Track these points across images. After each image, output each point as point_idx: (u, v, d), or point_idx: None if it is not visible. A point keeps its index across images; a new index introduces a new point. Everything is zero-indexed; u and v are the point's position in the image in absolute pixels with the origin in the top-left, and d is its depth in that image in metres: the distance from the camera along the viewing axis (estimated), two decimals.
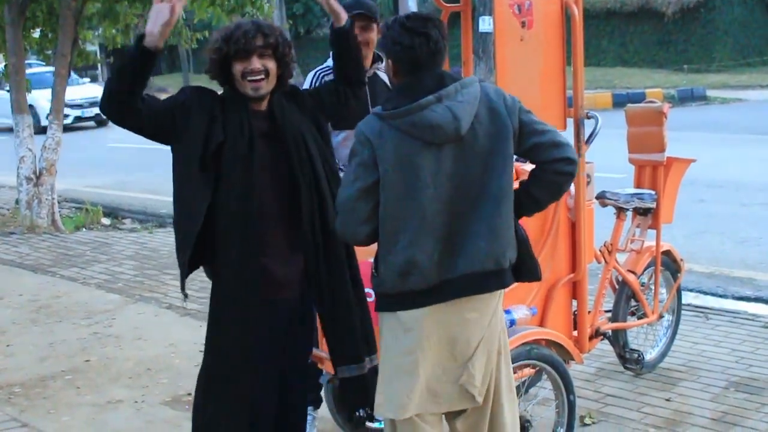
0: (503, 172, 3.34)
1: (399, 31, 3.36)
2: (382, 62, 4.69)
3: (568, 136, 4.36)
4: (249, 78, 3.58)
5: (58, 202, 11.69)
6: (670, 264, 5.64)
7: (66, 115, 14.11)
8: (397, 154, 3.29)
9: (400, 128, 3.29)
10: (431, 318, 3.38)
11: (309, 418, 4.66)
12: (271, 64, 3.62)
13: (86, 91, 24.91)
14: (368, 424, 4.71)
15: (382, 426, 4.69)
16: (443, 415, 3.57)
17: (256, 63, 3.58)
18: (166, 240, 10.11)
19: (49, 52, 13.04)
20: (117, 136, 20.38)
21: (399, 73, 3.42)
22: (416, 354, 3.38)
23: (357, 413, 4.11)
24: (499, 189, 3.33)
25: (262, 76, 3.60)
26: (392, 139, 3.29)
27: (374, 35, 4.59)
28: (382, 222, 3.35)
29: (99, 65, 49.36)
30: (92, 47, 27.55)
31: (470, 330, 3.40)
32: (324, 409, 4.75)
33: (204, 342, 3.87)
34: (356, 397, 3.99)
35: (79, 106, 23.90)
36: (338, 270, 3.82)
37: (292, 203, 3.69)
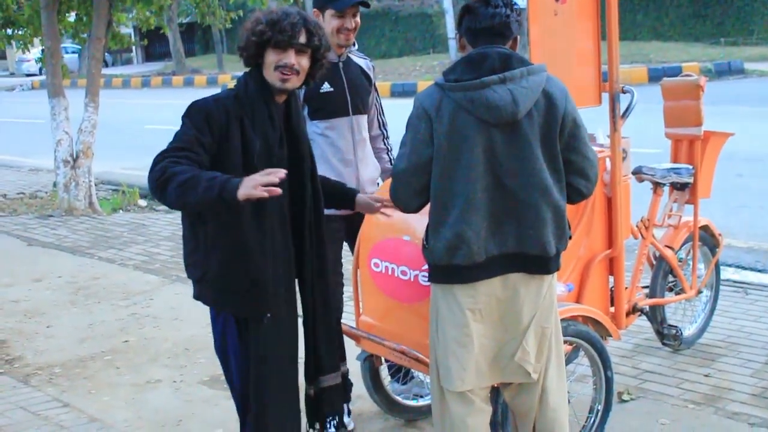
0: (553, 166, 3.38)
1: None
2: (355, 45, 4.68)
3: (603, 110, 4.37)
4: (281, 70, 3.45)
5: (95, 185, 11.76)
6: (708, 239, 5.60)
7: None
8: (451, 127, 3.32)
9: (457, 101, 3.31)
10: (482, 292, 3.43)
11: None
12: (305, 63, 3.50)
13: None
14: (407, 401, 4.75)
15: (417, 403, 4.75)
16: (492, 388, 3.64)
17: (292, 58, 3.45)
18: None
19: (84, 35, 13.11)
20: (151, 118, 20.51)
21: (465, 45, 3.46)
22: (470, 327, 3.44)
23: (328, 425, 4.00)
24: (549, 181, 3.37)
25: (295, 72, 3.48)
26: (449, 111, 3.32)
27: (359, 18, 4.56)
28: (433, 194, 3.40)
29: (133, 47, 49.68)
30: (126, 30, 27.73)
31: (520, 306, 3.45)
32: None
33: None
34: (333, 404, 3.88)
35: None
36: (326, 272, 3.79)
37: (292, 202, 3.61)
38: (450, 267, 3.42)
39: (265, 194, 3.07)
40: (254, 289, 3.50)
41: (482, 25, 3.40)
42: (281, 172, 3.11)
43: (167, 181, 3.20)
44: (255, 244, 3.45)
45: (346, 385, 4.33)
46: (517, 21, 3.44)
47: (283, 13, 3.46)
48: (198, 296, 3.70)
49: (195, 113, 3.42)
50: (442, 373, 3.55)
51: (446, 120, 3.32)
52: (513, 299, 3.45)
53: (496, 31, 3.40)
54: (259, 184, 3.07)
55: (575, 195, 3.51)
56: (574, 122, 3.41)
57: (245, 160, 3.41)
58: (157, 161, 3.29)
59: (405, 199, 3.50)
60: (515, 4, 3.43)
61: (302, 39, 3.45)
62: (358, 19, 4.53)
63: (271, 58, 3.45)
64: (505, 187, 3.35)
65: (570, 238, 3.55)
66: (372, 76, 4.75)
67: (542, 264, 3.44)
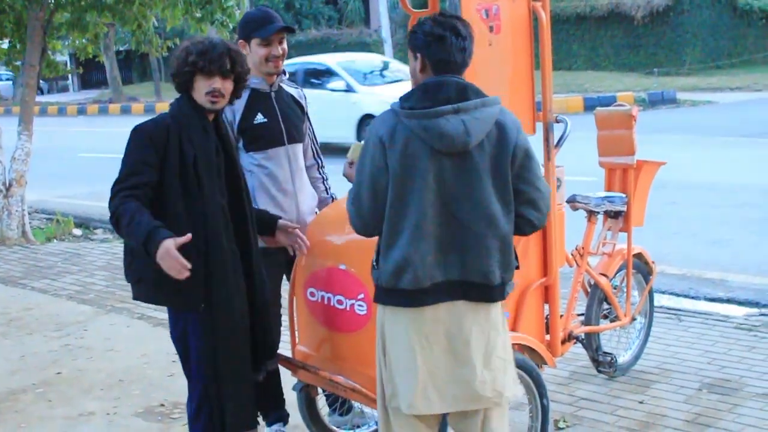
0: (502, 197, 3.41)
1: (431, 25, 3.45)
2: (286, 75, 4.69)
3: (537, 140, 4.41)
4: (212, 94, 3.89)
5: (29, 214, 11.59)
6: (642, 266, 5.66)
7: None
8: (404, 153, 3.35)
9: (412, 129, 3.35)
10: (428, 317, 3.44)
11: None
12: (230, 86, 3.94)
13: None
14: None
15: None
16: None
17: (219, 83, 3.88)
18: None
19: (18, 63, 12.94)
20: (87, 146, 20.29)
21: (426, 69, 3.46)
22: (416, 351, 3.45)
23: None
24: (497, 211, 3.39)
25: (222, 95, 3.92)
26: (403, 138, 3.36)
27: (286, 45, 4.59)
28: (386, 217, 3.43)
29: (70, 75, 49.15)
30: (62, 57, 27.41)
31: (468, 333, 3.46)
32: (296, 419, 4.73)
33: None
34: (276, 392, 4.42)
35: None
36: (261, 264, 4.18)
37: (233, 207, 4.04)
38: (396, 290, 3.45)
39: (178, 276, 3.58)
40: (185, 286, 3.73)
41: (452, 58, 3.42)
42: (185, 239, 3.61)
43: (118, 221, 3.72)
44: (189, 247, 3.67)
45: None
46: (470, 36, 3.49)
47: (210, 44, 3.89)
48: (136, 297, 4.09)
49: (138, 135, 3.88)
50: (388, 394, 3.55)
51: (400, 146, 3.36)
52: (460, 326, 3.46)
53: (459, 63, 3.45)
54: (175, 268, 3.57)
55: (526, 226, 3.53)
56: (526, 154, 3.44)
57: (182, 171, 3.83)
58: (112, 195, 3.78)
59: (364, 224, 3.54)
60: (464, 32, 3.45)
61: (227, 66, 3.89)
62: (285, 45, 4.54)
63: (201, 83, 3.89)
64: (453, 216, 3.38)
65: (517, 267, 3.55)
66: (304, 104, 4.75)
67: (486, 293, 3.46)
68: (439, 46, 3.42)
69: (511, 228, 3.46)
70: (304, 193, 4.65)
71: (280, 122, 4.53)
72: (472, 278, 3.42)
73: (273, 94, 4.55)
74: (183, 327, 3.99)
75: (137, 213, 3.66)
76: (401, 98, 3.45)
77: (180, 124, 3.88)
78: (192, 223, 3.79)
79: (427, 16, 3.51)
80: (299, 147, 4.66)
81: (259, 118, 4.46)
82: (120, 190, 3.75)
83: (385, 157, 3.39)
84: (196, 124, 3.90)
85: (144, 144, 3.83)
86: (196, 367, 3.97)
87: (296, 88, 4.79)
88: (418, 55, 3.48)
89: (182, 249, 3.62)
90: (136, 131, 3.89)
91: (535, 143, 4.38)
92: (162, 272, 3.62)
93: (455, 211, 3.38)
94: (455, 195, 3.38)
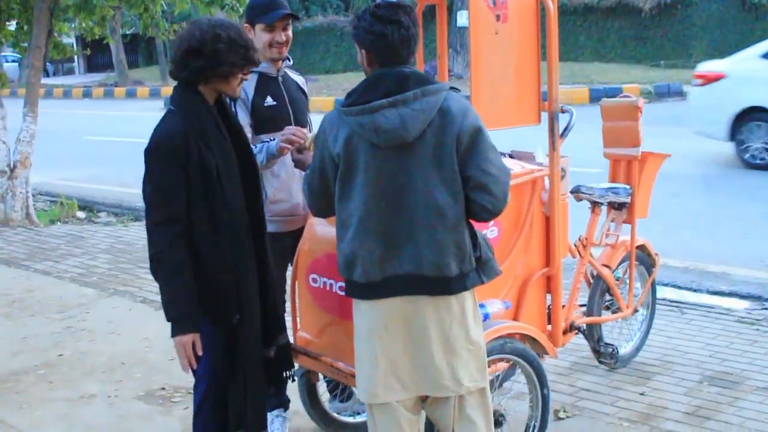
0: (449, 187, 3.36)
1: (370, 20, 3.39)
2: (290, 61, 4.69)
3: (542, 130, 4.41)
4: (242, 80, 3.75)
5: (33, 196, 11.59)
6: (645, 258, 5.66)
7: None
8: (346, 149, 3.38)
9: (350, 125, 3.37)
10: (385, 309, 3.46)
11: (280, 419, 4.67)
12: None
13: None
14: (344, 418, 4.74)
15: (354, 419, 4.74)
16: (421, 398, 3.65)
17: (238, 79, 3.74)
18: (140, 233, 10.03)
19: (25, 44, 12.92)
20: (92, 129, 20.28)
21: (372, 63, 3.44)
22: (374, 341, 3.49)
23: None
24: (443, 202, 3.36)
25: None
26: (344, 135, 3.38)
27: (291, 31, 4.59)
28: (336, 212, 3.50)
29: (76, 58, 49.13)
30: (68, 40, 27.41)
31: (427, 325, 3.46)
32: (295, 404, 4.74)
33: None
34: (290, 359, 4.21)
35: None
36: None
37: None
38: (351, 282, 3.51)
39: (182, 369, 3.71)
40: (222, 299, 3.71)
41: (395, 51, 3.38)
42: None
43: (158, 266, 3.61)
44: (218, 261, 3.67)
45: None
46: (413, 22, 3.42)
47: (242, 37, 3.68)
48: None
49: (161, 156, 3.58)
50: (359, 385, 3.60)
51: (342, 143, 3.38)
52: (418, 318, 3.46)
53: (404, 54, 3.40)
54: (183, 363, 3.68)
55: (481, 211, 3.44)
56: (473, 138, 3.35)
57: (205, 180, 3.61)
58: (153, 227, 3.59)
59: (317, 208, 3.67)
60: (405, 22, 3.39)
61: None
62: (289, 32, 4.55)
63: (229, 73, 3.67)
64: (401, 210, 3.37)
65: (479, 258, 3.51)
66: (306, 92, 4.80)
67: (443, 285, 3.43)
68: (380, 42, 3.38)
69: (462, 217, 3.41)
70: None
71: (288, 106, 4.57)
72: (426, 272, 3.39)
73: (280, 78, 4.59)
74: None
75: (177, 277, 3.58)
76: (347, 94, 3.45)
77: (196, 129, 3.62)
78: (216, 232, 3.67)
79: (366, 8, 3.45)
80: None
81: (269, 101, 4.50)
82: (163, 224, 3.57)
83: (330, 152, 3.42)
84: (211, 123, 3.69)
85: (169, 164, 3.57)
86: (202, 364, 3.83)
87: (298, 75, 4.84)
88: (363, 50, 3.46)
89: (212, 261, 3.64)
90: (158, 151, 3.59)
91: (541, 133, 4.40)
92: (200, 288, 3.63)
93: (401, 205, 3.37)
94: (400, 189, 3.36)
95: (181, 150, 3.57)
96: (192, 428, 3.94)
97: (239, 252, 3.75)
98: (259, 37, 4.47)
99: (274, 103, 4.52)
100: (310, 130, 4.81)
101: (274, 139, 4.36)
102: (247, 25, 4.50)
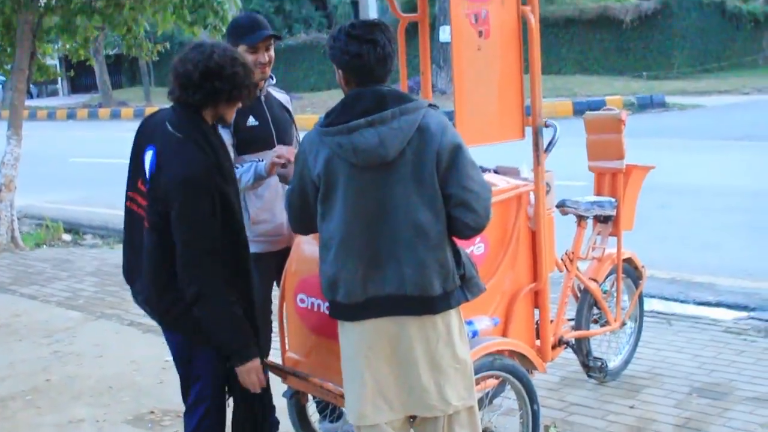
0: (430, 205, 3.35)
1: (345, 40, 3.38)
2: (273, 80, 4.69)
3: (526, 145, 4.41)
4: (239, 106, 3.79)
5: (18, 219, 11.55)
6: (632, 271, 5.67)
7: None
8: (326, 170, 3.37)
9: (329, 146, 3.35)
10: (370, 330, 3.45)
11: None
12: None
13: None
14: None
15: None
16: (409, 419, 3.63)
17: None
18: None
19: (8, 66, 12.90)
20: (77, 151, 20.23)
21: (350, 83, 3.44)
22: (360, 361, 3.48)
23: None
24: (425, 220, 3.34)
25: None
26: (323, 155, 3.37)
27: (273, 51, 4.58)
28: (319, 233, 3.49)
29: (59, 79, 49.03)
30: (52, 61, 27.32)
31: (411, 345, 3.45)
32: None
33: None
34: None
35: None
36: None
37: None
38: (335, 303, 3.50)
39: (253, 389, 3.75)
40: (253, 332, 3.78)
41: (372, 70, 3.38)
42: None
43: (207, 301, 3.56)
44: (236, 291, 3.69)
45: None
46: (389, 40, 3.40)
47: (244, 67, 3.68)
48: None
49: (196, 188, 3.52)
50: (347, 407, 3.59)
51: (321, 164, 3.37)
52: (403, 337, 3.44)
53: (381, 72, 3.40)
54: (255, 384, 3.73)
55: (464, 229, 3.42)
56: (452, 155, 3.34)
57: (225, 213, 3.60)
58: (198, 259, 3.54)
59: (298, 226, 3.69)
60: (381, 41, 3.38)
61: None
62: (272, 52, 4.54)
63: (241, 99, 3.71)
64: (383, 229, 3.36)
65: (462, 276, 3.49)
66: (291, 110, 4.78)
67: (427, 305, 3.41)
68: (356, 62, 3.37)
69: (444, 236, 3.39)
70: None
71: (270, 125, 4.54)
72: (410, 291, 3.37)
73: (263, 98, 4.56)
74: (189, 345, 3.82)
75: (232, 306, 3.61)
76: (326, 114, 3.44)
77: (217, 156, 3.61)
78: (235, 260, 3.70)
79: (341, 28, 3.43)
80: None
81: (251, 121, 4.47)
82: (208, 257, 3.55)
83: (310, 172, 3.41)
84: (224, 151, 3.72)
85: (204, 195, 3.52)
86: (202, 387, 3.82)
87: (282, 92, 4.80)
88: (339, 70, 3.46)
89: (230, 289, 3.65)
90: (192, 182, 3.51)
91: (525, 148, 4.40)
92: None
93: (382, 224, 3.36)
94: (380, 209, 3.35)
95: (210, 180, 3.54)
96: None
97: (249, 279, 3.80)
98: None
99: (256, 123, 4.49)
100: (296, 148, 4.80)
101: (261, 160, 4.35)
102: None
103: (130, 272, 3.89)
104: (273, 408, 4.58)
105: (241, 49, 4.44)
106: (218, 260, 3.57)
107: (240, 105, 3.77)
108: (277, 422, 4.67)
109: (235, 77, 3.59)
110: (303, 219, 3.58)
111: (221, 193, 3.58)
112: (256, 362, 3.69)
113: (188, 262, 3.55)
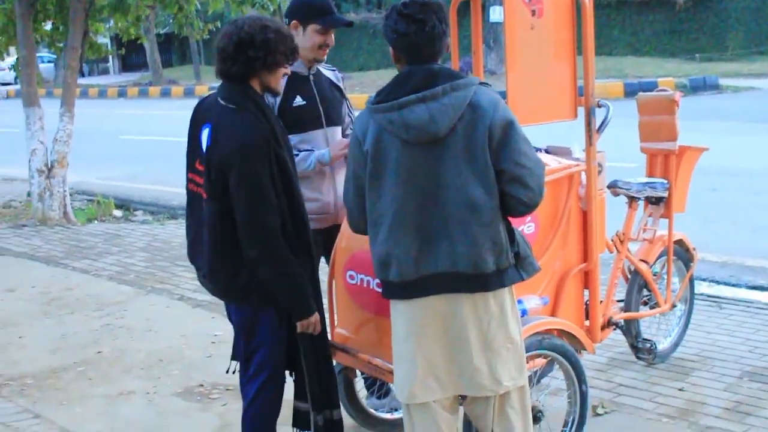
0: (483, 181, 3.33)
1: (396, 18, 3.38)
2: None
3: (579, 125, 4.39)
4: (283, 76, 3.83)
5: (70, 195, 11.71)
6: (683, 253, 5.61)
7: None
8: (376, 148, 3.36)
9: (380, 123, 3.35)
10: (422, 308, 3.44)
11: None
12: None
13: None
14: (382, 415, 4.74)
15: (392, 416, 4.75)
16: (458, 398, 3.63)
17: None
18: (177, 231, 10.13)
19: (60, 44, 13.04)
20: (127, 129, 20.43)
21: (400, 60, 3.44)
22: (411, 341, 3.47)
23: None
24: (477, 197, 3.32)
25: None
26: (374, 133, 3.37)
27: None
28: (368, 213, 3.46)
29: (110, 58, 49.52)
30: (103, 39, 27.60)
31: (464, 323, 3.44)
32: None
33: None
34: None
35: None
36: None
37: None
38: (387, 283, 3.49)
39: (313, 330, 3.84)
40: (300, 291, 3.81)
41: (422, 48, 3.37)
42: None
43: (269, 260, 3.65)
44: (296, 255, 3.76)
45: None
46: (440, 20, 3.38)
47: (279, 24, 3.76)
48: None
49: (258, 155, 3.59)
50: (397, 386, 3.60)
51: (372, 141, 3.36)
52: (456, 316, 3.43)
53: (432, 51, 3.39)
54: (316, 327, 3.83)
55: (518, 205, 3.40)
56: (505, 131, 3.32)
57: (283, 179, 3.68)
58: (263, 224, 3.61)
59: (354, 222, 3.63)
60: (431, 20, 3.37)
61: None
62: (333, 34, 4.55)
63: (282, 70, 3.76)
64: (435, 206, 3.35)
65: (517, 254, 3.48)
66: (342, 86, 4.75)
67: (480, 282, 3.39)
68: (403, 41, 3.37)
69: (497, 212, 3.37)
70: (342, 176, 4.65)
71: (318, 105, 4.53)
72: (463, 269, 3.36)
73: (311, 77, 4.55)
74: (252, 317, 3.87)
75: (292, 265, 3.69)
76: (376, 93, 3.44)
77: (270, 122, 3.69)
78: (297, 226, 3.76)
79: (394, 6, 3.44)
80: (338, 130, 4.65)
81: (298, 100, 4.46)
82: (268, 220, 3.62)
83: (363, 154, 3.40)
84: (276, 118, 3.81)
85: (262, 162, 3.58)
86: (264, 356, 3.87)
87: (333, 70, 4.78)
88: (390, 48, 3.46)
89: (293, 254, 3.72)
90: (249, 148, 3.57)
91: (577, 128, 4.38)
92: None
93: (435, 202, 3.34)
94: (433, 185, 3.33)
95: (266, 145, 3.61)
96: (242, 419, 3.95)
97: (308, 238, 3.85)
98: (309, 37, 4.41)
99: (303, 102, 4.47)
100: (351, 125, 4.80)
101: (312, 150, 4.40)
102: (295, 22, 4.45)
103: (193, 252, 3.95)
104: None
105: (312, 28, 4.41)
106: (278, 222, 3.63)
107: (287, 71, 3.79)
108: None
109: (267, 44, 3.64)
110: (361, 211, 3.53)
111: (278, 157, 3.64)
112: (316, 316, 3.79)
113: (249, 225, 3.61)
